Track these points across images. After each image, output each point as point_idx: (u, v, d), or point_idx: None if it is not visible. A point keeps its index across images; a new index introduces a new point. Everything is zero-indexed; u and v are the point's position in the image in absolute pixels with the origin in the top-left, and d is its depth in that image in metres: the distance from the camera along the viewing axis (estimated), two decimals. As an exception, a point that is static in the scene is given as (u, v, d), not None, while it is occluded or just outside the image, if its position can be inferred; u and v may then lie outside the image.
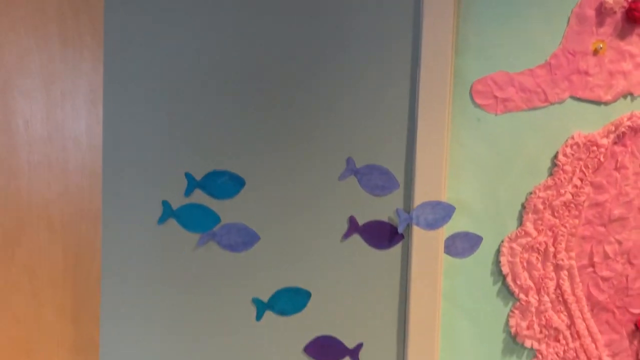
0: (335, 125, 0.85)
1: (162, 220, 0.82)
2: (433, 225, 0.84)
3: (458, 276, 0.89)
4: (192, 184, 0.82)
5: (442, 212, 0.84)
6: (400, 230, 0.84)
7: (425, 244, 0.84)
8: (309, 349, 0.84)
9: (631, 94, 0.89)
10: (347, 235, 0.84)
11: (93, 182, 0.88)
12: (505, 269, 0.89)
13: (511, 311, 0.90)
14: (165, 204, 0.82)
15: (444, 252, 0.87)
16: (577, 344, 0.91)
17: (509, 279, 0.89)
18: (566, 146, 0.89)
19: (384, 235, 0.84)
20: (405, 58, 0.85)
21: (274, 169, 0.84)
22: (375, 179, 0.84)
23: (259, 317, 0.84)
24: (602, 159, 0.89)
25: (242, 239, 0.83)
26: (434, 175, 0.84)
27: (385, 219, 0.84)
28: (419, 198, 0.83)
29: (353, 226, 0.84)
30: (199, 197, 0.82)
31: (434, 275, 0.85)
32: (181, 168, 0.83)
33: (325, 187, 0.84)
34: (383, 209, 0.84)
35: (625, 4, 0.86)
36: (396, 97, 0.85)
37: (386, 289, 0.85)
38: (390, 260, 0.84)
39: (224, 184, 0.82)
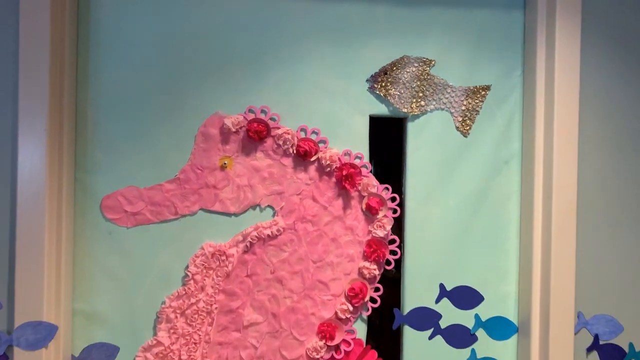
0: None
1: None
2: (34, 345, 0.83)
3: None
4: None
5: (43, 332, 0.83)
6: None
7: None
8: None
9: (259, 205, 0.95)
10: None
11: None
12: (137, 381, 0.90)
13: None
14: None
15: (79, 366, 0.87)
16: None
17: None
18: (196, 257, 0.93)
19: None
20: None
21: None
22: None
23: None
24: (229, 268, 0.93)
25: None
26: (34, 294, 0.84)
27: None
28: (19, 318, 0.83)
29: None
30: None
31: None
32: None
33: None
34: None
35: (244, 124, 0.94)
36: None
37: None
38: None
39: None
